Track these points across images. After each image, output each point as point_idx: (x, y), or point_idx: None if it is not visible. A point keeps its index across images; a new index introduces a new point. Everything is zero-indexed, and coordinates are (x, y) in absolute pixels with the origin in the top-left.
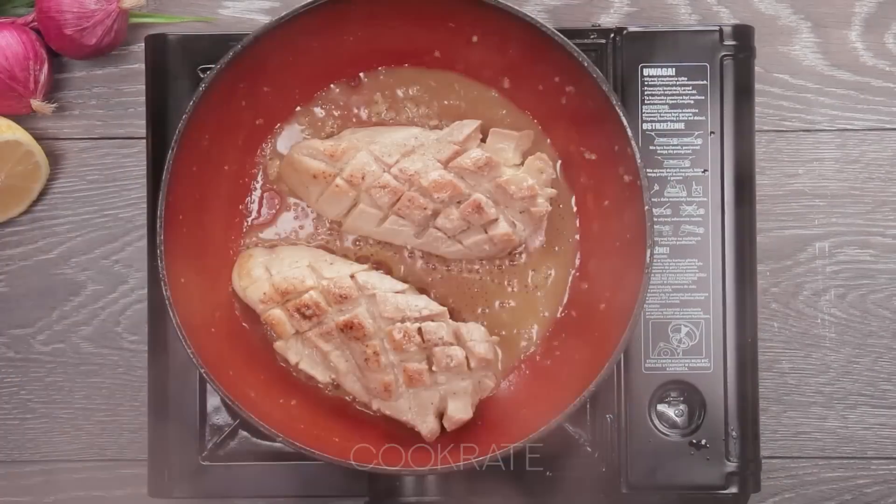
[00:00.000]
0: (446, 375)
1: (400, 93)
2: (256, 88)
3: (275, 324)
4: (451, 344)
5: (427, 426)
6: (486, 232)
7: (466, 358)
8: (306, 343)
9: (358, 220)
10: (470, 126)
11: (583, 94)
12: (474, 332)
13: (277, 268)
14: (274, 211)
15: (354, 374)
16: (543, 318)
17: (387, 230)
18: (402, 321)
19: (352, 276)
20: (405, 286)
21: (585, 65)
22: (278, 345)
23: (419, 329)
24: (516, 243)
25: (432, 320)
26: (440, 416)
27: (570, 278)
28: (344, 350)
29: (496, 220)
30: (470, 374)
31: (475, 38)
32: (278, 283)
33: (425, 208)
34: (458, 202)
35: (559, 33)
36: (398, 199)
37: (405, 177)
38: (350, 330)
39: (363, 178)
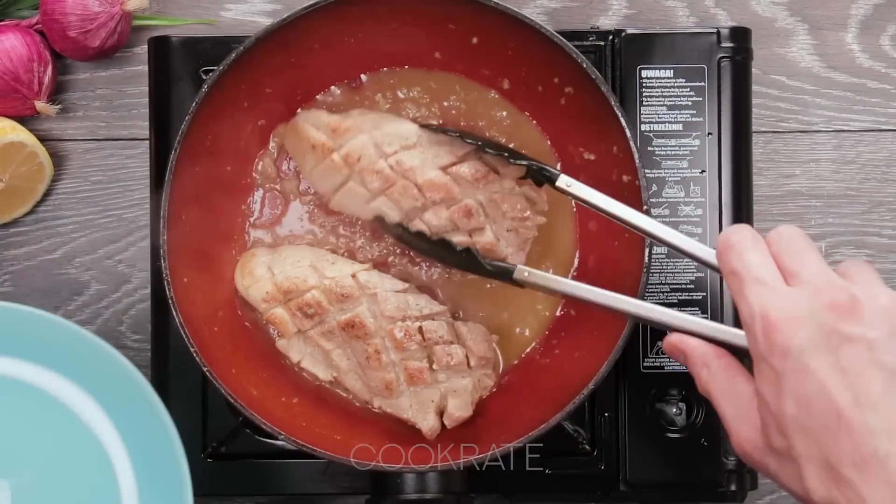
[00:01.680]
0: (447, 374)
1: (401, 94)
2: (258, 89)
3: (277, 323)
4: (452, 342)
5: (428, 424)
6: (471, 237)
7: (466, 356)
8: (308, 342)
9: (346, 198)
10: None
11: (582, 95)
12: (474, 331)
13: (280, 267)
14: (276, 211)
15: (356, 372)
16: (543, 316)
17: (374, 209)
18: (403, 320)
19: (353, 276)
20: (406, 285)
21: (584, 66)
22: (280, 343)
23: (420, 328)
24: (499, 256)
25: (433, 319)
26: (440, 413)
27: (570, 277)
28: (345, 349)
29: (482, 228)
30: (470, 373)
31: (475, 40)
32: (280, 282)
33: (416, 200)
34: (449, 205)
35: (558, 35)
36: (390, 186)
37: (400, 169)
38: (351, 329)
39: (358, 159)
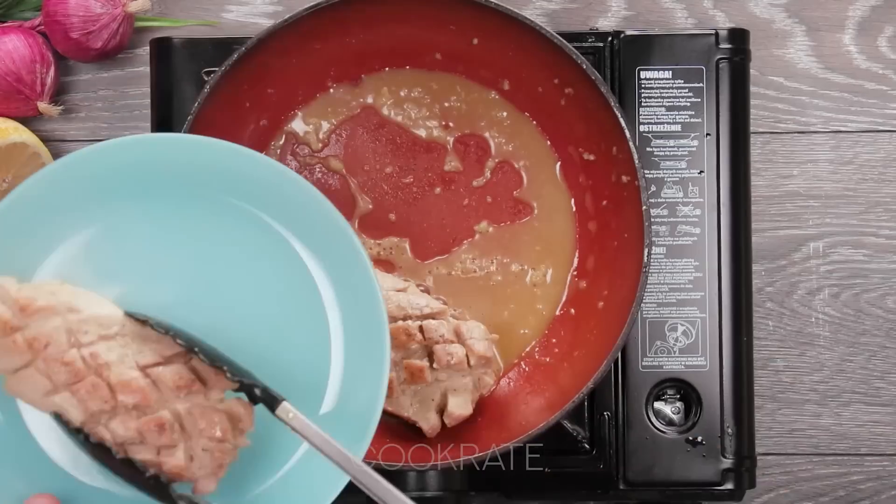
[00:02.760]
0: (447, 373)
1: (402, 93)
2: (260, 90)
3: None
4: (452, 342)
5: (428, 422)
6: (159, 455)
7: (467, 355)
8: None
9: (22, 384)
10: None
11: (581, 95)
12: (474, 331)
13: None
14: None
15: None
16: (542, 315)
17: (54, 404)
18: (404, 319)
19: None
20: (407, 284)
21: (584, 67)
22: None
23: (420, 327)
24: (184, 478)
25: (433, 318)
26: (441, 411)
27: (569, 277)
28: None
29: (174, 446)
30: (470, 371)
31: (476, 41)
32: None
33: (105, 402)
34: (143, 412)
35: (558, 36)
36: (77, 381)
37: (94, 363)
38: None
39: (46, 346)
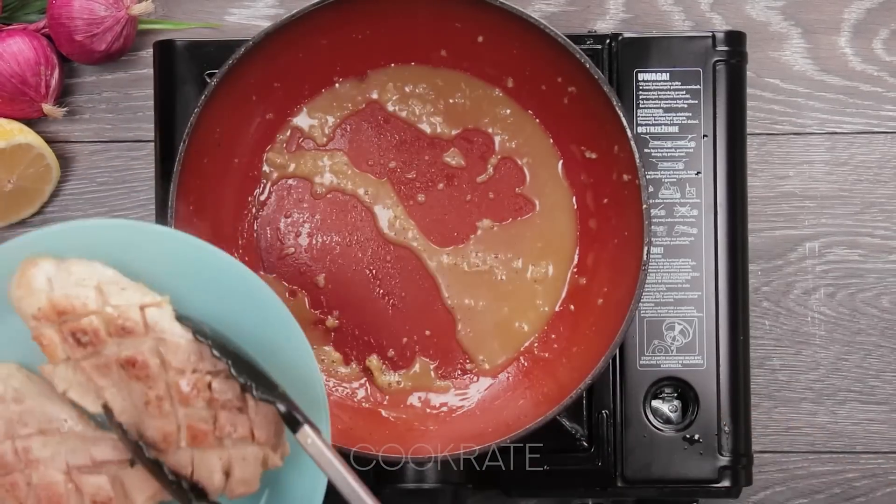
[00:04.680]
0: (231, 440)
1: (407, 89)
2: (266, 84)
3: (45, 345)
4: (240, 409)
5: (213, 482)
6: None
7: (252, 430)
8: (79, 371)
9: None
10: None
11: (584, 94)
12: (260, 413)
13: (62, 282)
14: (283, 203)
15: (130, 415)
16: (542, 311)
17: None
18: (193, 372)
19: (142, 309)
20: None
21: (588, 66)
22: (44, 368)
23: (209, 383)
24: None
25: (225, 377)
26: (226, 472)
27: (569, 274)
28: (122, 388)
29: None
30: (256, 445)
31: (481, 39)
32: (57, 299)
33: (20, 502)
34: None
35: (563, 35)
36: (6, 475)
37: (25, 458)
38: (132, 368)
39: None
